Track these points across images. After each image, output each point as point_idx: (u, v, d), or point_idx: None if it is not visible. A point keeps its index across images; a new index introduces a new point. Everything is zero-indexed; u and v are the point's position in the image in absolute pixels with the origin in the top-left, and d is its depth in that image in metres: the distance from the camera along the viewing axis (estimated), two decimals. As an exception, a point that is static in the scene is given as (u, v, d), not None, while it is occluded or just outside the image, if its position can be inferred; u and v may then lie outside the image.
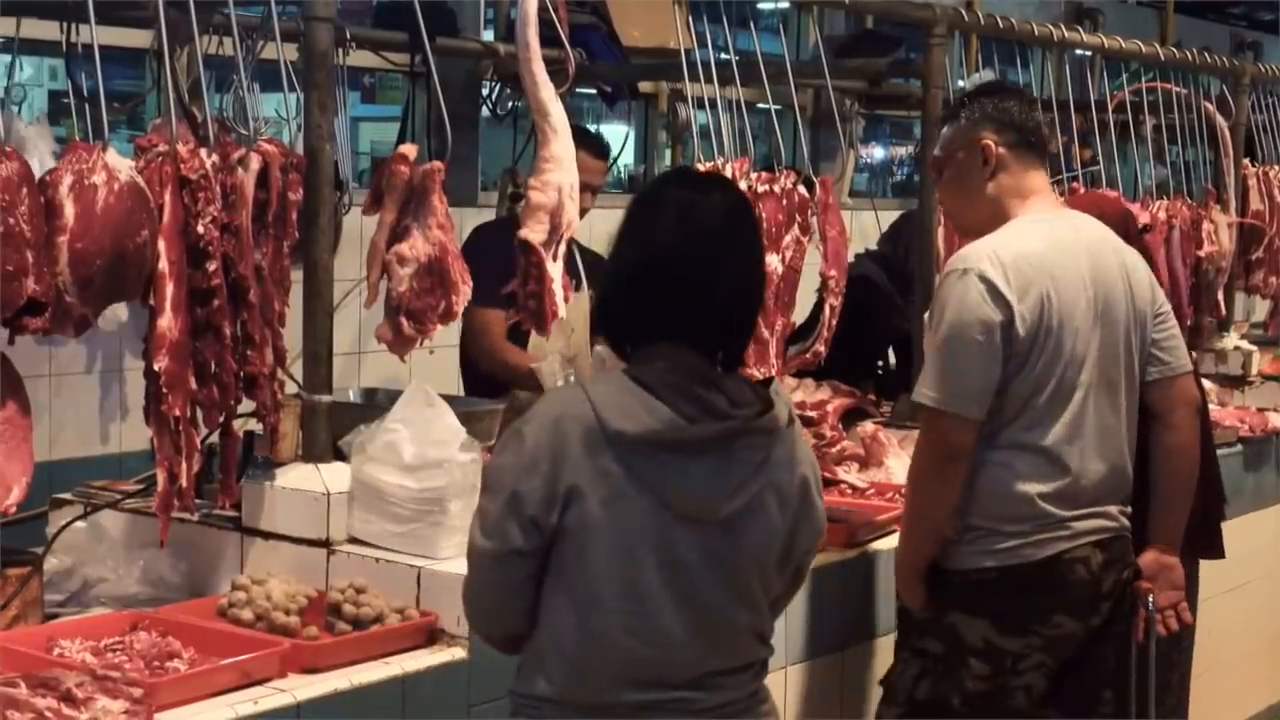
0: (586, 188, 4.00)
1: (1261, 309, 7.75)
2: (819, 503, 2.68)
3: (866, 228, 6.19)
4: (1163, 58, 6.26)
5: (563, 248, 3.86)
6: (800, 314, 4.80)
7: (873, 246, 5.89)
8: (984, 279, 3.46)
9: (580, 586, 2.53)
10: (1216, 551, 4.53)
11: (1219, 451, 5.40)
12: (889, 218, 6.12)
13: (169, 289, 3.14)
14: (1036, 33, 5.63)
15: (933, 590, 3.60)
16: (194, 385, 3.21)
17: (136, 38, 4.36)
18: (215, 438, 3.37)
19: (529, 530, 2.52)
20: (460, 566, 2.78)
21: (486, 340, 4.82)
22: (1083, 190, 5.65)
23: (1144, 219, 5.59)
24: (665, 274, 2.58)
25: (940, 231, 5.13)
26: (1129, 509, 3.67)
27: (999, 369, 3.47)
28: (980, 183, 3.67)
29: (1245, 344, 6.62)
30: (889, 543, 4.11)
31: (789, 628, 3.78)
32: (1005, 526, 3.52)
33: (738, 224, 2.65)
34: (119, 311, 3.96)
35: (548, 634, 2.58)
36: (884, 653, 3.92)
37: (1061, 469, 3.54)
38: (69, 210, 3.02)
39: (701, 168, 4.35)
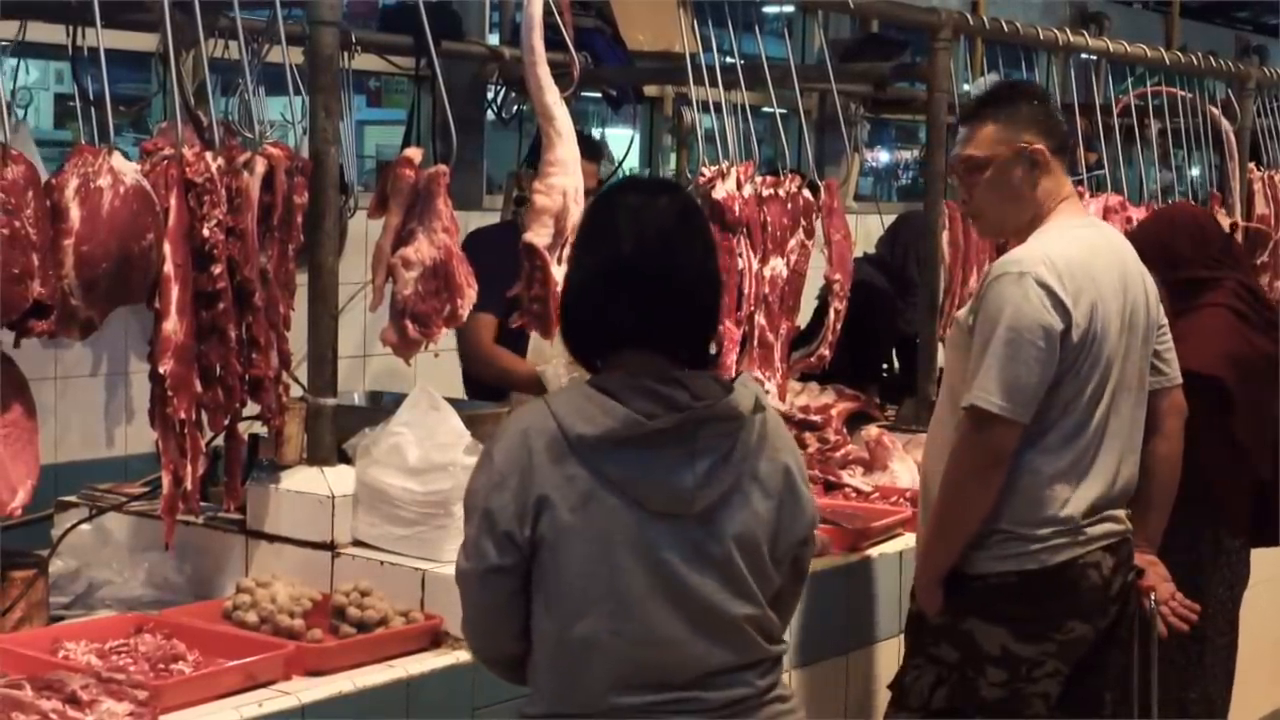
0: None
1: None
2: (805, 491, 2.67)
3: (871, 231, 6.18)
4: (1168, 62, 6.26)
5: (567, 251, 3.86)
6: (803, 318, 4.80)
7: (871, 251, 5.88)
8: (1042, 284, 3.44)
9: (561, 595, 2.53)
10: (1270, 539, 4.54)
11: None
12: (893, 221, 6.12)
13: (174, 292, 3.15)
14: (1041, 36, 5.63)
15: (949, 595, 3.57)
16: (199, 388, 3.22)
17: (142, 41, 4.36)
18: (220, 440, 3.38)
19: (504, 546, 2.53)
20: (465, 569, 2.79)
21: (475, 344, 4.77)
22: (1088, 195, 5.66)
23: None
24: (623, 278, 2.58)
25: (945, 235, 5.13)
26: (1128, 511, 3.68)
27: (1053, 374, 3.46)
28: (1027, 186, 3.63)
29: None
30: (893, 547, 4.12)
31: (792, 631, 3.78)
32: (1030, 531, 3.50)
33: (688, 223, 2.66)
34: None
35: (540, 650, 2.59)
36: (888, 657, 3.92)
37: (1085, 473, 3.52)
38: (74, 213, 3.03)
39: (707, 171, 4.36)
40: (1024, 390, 3.43)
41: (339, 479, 3.40)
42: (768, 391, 4.43)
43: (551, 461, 2.51)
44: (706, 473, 2.54)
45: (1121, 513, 3.63)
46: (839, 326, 4.76)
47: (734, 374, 4.13)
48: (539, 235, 3.81)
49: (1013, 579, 3.52)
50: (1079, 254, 3.53)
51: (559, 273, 3.82)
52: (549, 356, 4.52)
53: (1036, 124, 3.65)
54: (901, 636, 3.84)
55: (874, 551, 4.08)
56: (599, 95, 6.66)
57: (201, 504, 3.34)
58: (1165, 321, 3.78)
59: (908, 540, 4.09)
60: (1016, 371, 3.43)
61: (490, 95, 6.40)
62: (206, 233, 3.18)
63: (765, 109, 5.97)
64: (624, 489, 2.51)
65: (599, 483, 2.50)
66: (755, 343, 4.43)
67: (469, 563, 2.58)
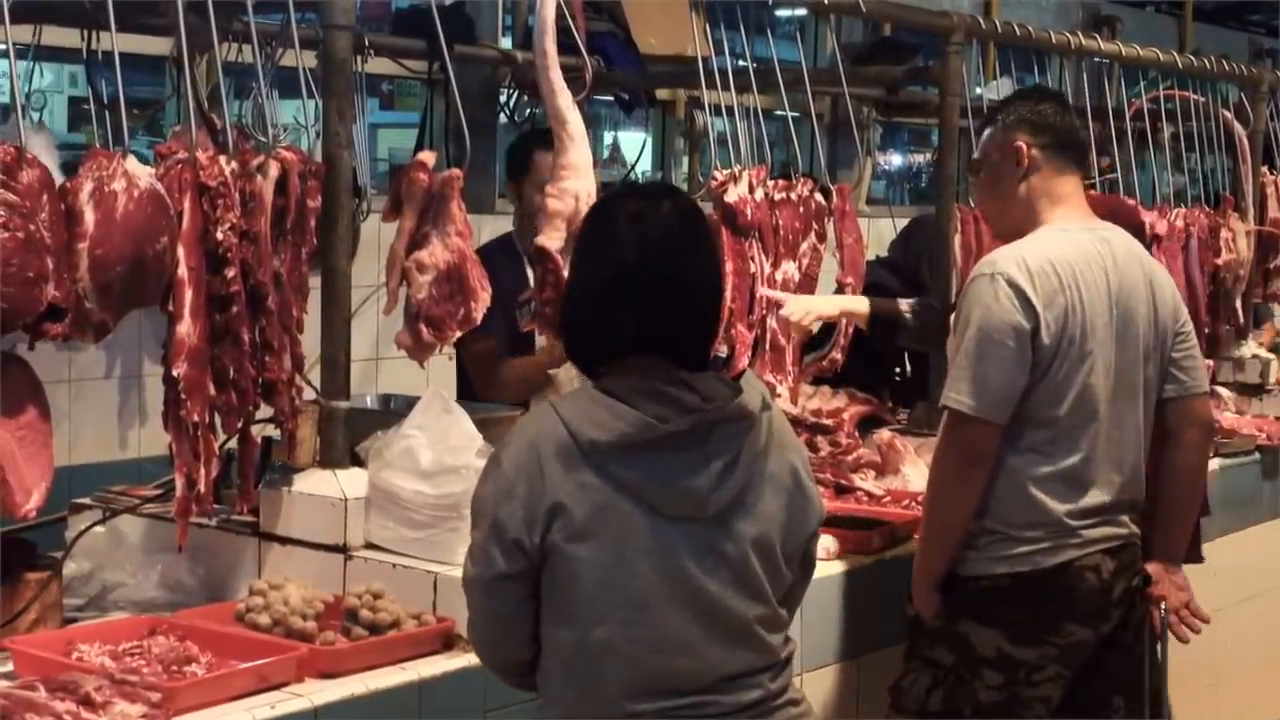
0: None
1: (1280, 317, 7.73)
2: (812, 486, 2.68)
3: (884, 235, 6.18)
4: (1181, 65, 6.25)
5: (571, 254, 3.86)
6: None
7: (883, 254, 5.89)
8: (1012, 284, 3.47)
9: (577, 602, 2.52)
10: (1197, 556, 4.49)
11: (1235, 460, 5.43)
12: (905, 225, 6.11)
13: (188, 295, 3.16)
14: (1054, 40, 5.62)
15: (944, 598, 3.61)
16: (212, 391, 3.22)
17: (156, 44, 4.37)
18: (233, 443, 3.39)
19: (512, 553, 2.52)
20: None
21: (484, 371, 4.59)
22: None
23: (1161, 228, 5.59)
24: (628, 285, 2.58)
25: (957, 238, 5.13)
26: (1137, 516, 3.68)
27: (1025, 375, 3.48)
28: (1013, 185, 3.70)
29: (1263, 352, 6.61)
30: (904, 550, 4.12)
31: (804, 634, 3.78)
32: (1019, 532, 3.53)
33: (691, 228, 2.65)
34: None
35: (551, 656, 2.58)
36: (899, 661, 3.91)
37: (1077, 479, 3.55)
38: (89, 217, 3.04)
39: (719, 175, 4.37)
40: (994, 390, 3.46)
41: (351, 482, 3.41)
42: (778, 395, 4.43)
43: (563, 468, 2.49)
44: (720, 474, 2.54)
45: (1125, 517, 3.64)
46: (850, 330, 4.76)
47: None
48: (551, 239, 3.82)
49: (1006, 581, 3.54)
50: (1059, 255, 3.54)
51: (571, 276, 3.83)
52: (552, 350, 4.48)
53: (1027, 123, 3.70)
54: (912, 641, 3.85)
55: (886, 555, 4.08)
56: (611, 99, 6.67)
57: (214, 506, 3.34)
58: (1188, 330, 3.76)
59: (919, 544, 4.10)
60: (986, 372, 3.46)
61: (503, 99, 6.41)
62: (220, 236, 3.19)
63: (777, 112, 5.98)
64: (638, 494, 2.50)
65: (612, 488, 2.50)
66: (767, 346, 4.43)
67: (476, 569, 2.58)
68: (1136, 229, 4.55)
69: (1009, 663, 3.53)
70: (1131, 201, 5.56)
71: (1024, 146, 3.67)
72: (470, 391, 4.67)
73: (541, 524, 2.50)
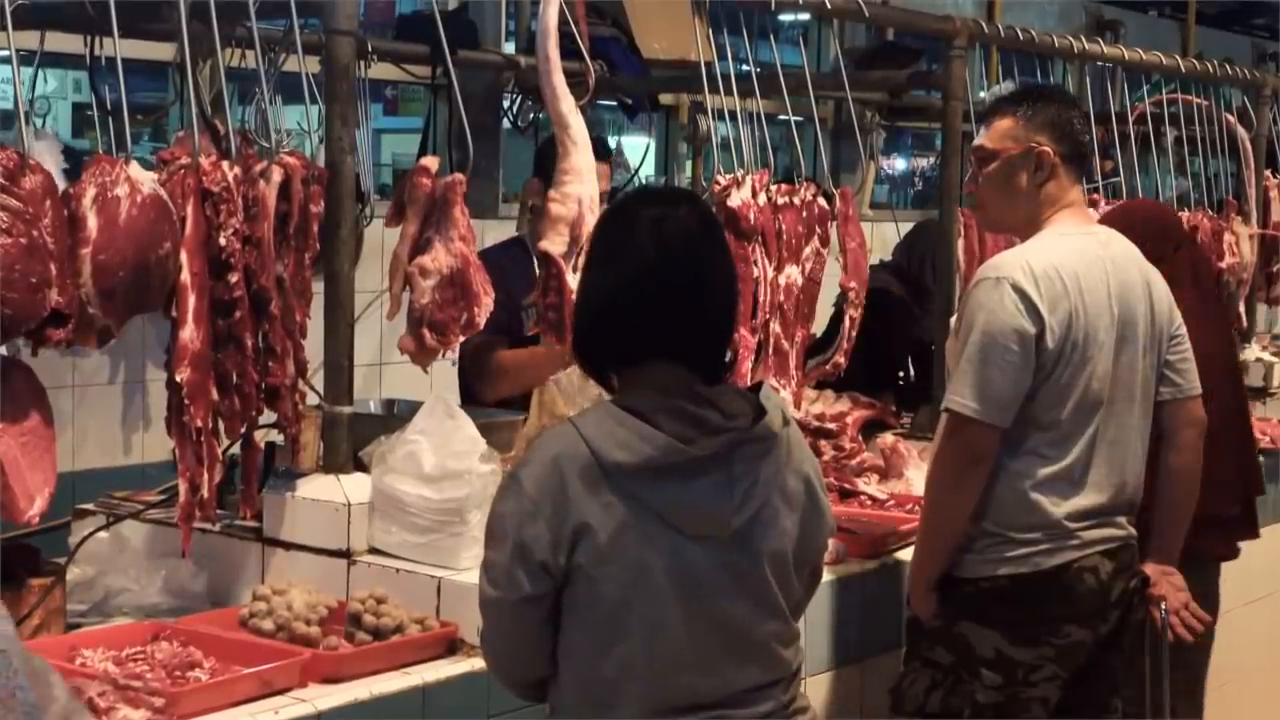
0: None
1: (1283, 320, 7.73)
2: (824, 498, 2.67)
3: (887, 239, 6.18)
4: (1184, 69, 6.25)
5: (581, 261, 3.87)
6: (819, 325, 4.80)
7: (887, 258, 5.89)
8: (1017, 289, 3.48)
9: (598, 621, 2.51)
10: (1253, 533, 4.51)
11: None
12: (910, 229, 6.12)
13: (191, 300, 3.16)
14: (1057, 45, 5.62)
15: (942, 599, 3.62)
16: (216, 396, 3.23)
17: (160, 50, 4.37)
18: (237, 448, 3.39)
19: (538, 576, 2.49)
20: (480, 577, 2.79)
21: (478, 362, 4.51)
22: (1103, 202, 5.64)
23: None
24: (651, 289, 2.55)
25: (960, 242, 5.14)
26: (1134, 518, 3.69)
27: (1029, 379, 3.48)
28: (1029, 186, 3.67)
29: (1267, 355, 6.61)
30: (908, 554, 4.11)
31: (809, 638, 3.77)
32: (1017, 534, 3.54)
33: (711, 232, 2.64)
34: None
35: (569, 674, 2.56)
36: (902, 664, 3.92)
37: (1077, 482, 3.55)
38: (92, 222, 3.04)
39: (722, 179, 4.37)
40: (998, 394, 3.46)
41: (355, 487, 3.41)
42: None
43: (587, 489, 2.46)
44: (743, 496, 2.53)
45: (1122, 518, 3.65)
46: (854, 334, 4.76)
47: (748, 382, 4.14)
48: (554, 244, 3.82)
49: (1005, 582, 3.55)
50: (1062, 260, 3.55)
51: (575, 281, 3.83)
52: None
53: (1052, 128, 3.67)
54: (915, 644, 3.85)
55: (891, 559, 4.08)
56: (615, 103, 6.67)
57: (218, 512, 3.35)
58: (1182, 332, 3.77)
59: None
60: (990, 375, 3.47)
61: (506, 104, 6.42)
62: (223, 241, 3.19)
63: (781, 117, 5.97)
64: (663, 515, 2.49)
65: (635, 509, 2.47)
66: (770, 350, 4.43)
67: (498, 592, 2.53)
68: (1172, 227, 4.53)
69: (1007, 663, 3.54)
70: (1159, 202, 5.52)
71: (1050, 152, 3.65)
72: (472, 394, 4.66)
73: (567, 545, 2.47)
